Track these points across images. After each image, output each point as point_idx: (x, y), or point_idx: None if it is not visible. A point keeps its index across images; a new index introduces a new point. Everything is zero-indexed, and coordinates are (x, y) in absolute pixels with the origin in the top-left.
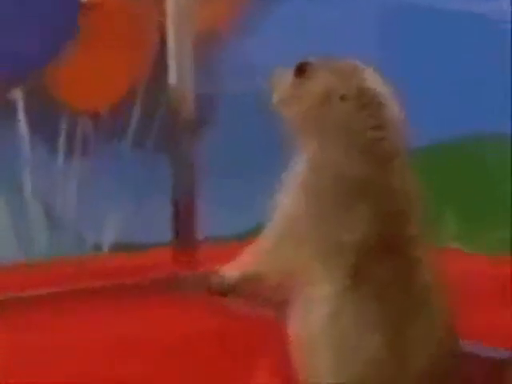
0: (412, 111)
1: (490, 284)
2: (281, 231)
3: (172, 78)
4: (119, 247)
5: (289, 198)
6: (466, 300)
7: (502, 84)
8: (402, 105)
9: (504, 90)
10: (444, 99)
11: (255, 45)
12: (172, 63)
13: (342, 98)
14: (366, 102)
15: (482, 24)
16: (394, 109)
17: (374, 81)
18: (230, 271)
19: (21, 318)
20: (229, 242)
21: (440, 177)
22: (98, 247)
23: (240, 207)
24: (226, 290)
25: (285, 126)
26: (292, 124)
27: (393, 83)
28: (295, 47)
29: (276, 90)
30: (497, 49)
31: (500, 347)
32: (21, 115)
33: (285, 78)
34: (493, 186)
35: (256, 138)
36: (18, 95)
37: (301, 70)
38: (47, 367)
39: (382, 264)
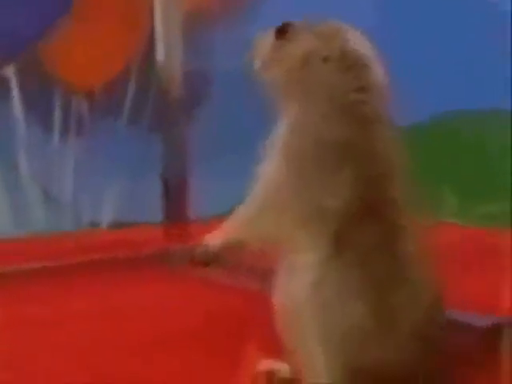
0: (412, 89)
1: (484, 254)
2: (263, 198)
3: (160, 54)
4: (115, 224)
5: (270, 163)
6: (462, 269)
7: (500, 61)
8: (387, 70)
9: (503, 67)
10: (443, 76)
11: (252, 22)
12: (160, 40)
13: (325, 59)
14: (349, 63)
15: (482, 4)
16: (377, 72)
17: (358, 43)
18: (213, 240)
19: (19, 291)
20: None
21: (439, 152)
22: (93, 224)
23: (234, 186)
24: (210, 260)
25: (267, 90)
26: (274, 87)
27: (392, 62)
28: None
29: (257, 54)
30: (495, 26)
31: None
32: (15, 93)
33: (265, 41)
34: (492, 162)
35: (250, 118)
36: (10, 72)
37: (282, 32)
38: (45, 337)
39: (365, 230)
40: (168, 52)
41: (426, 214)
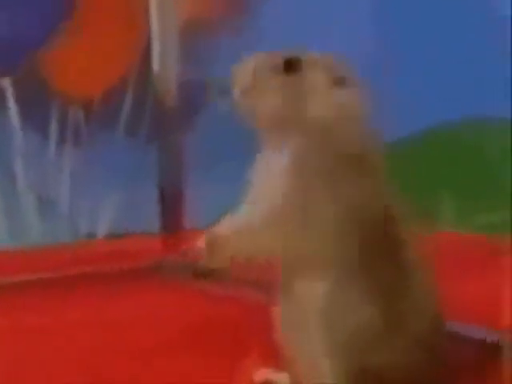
0: (412, 96)
1: (484, 263)
2: (269, 213)
3: (156, 64)
4: (111, 234)
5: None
6: (461, 279)
7: (501, 68)
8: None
9: (503, 74)
10: (443, 84)
11: (250, 32)
12: (156, 50)
13: (329, 91)
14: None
15: (482, 8)
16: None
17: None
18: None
19: (16, 302)
20: None
21: (439, 161)
22: (90, 235)
23: (231, 195)
24: (212, 272)
25: (249, 120)
26: (267, 118)
27: (389, 68)
28: (288, 33)
29: (242, 84)
30: (495, 31)
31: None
32: (11, 102)
33: (249, 71)
34: (491, 170)
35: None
36: (7, 82)
37: (290, 65)
38: (40, 346)
39: (371, 244)
40: (164, 62)
41: (424, 224)
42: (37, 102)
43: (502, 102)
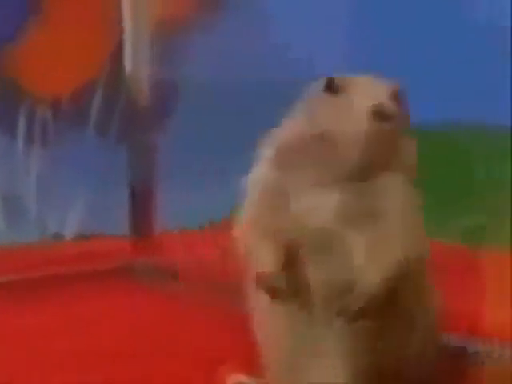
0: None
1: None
2: None
3: (128, 64)
4: (80, 236)
5: None
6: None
7: (501, 78)
8: None
9: (503, 75)
10: (436, 87)
11: (225, 34)
12: (128, 49)
13: None
14: None
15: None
16: None
17: None
18: None
19: None
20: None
21: (430, 163)
22: (59, 236)
23: (201, 198)
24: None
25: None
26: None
27: (387, 68)
28: (263, 32)
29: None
30: (495, 41)
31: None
32: None
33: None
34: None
35: (220, 129)
36: None
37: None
38: (5, 350)
39: None
40: (136, 61)
41: None
42: (4, 101)
43: (500, 106)
